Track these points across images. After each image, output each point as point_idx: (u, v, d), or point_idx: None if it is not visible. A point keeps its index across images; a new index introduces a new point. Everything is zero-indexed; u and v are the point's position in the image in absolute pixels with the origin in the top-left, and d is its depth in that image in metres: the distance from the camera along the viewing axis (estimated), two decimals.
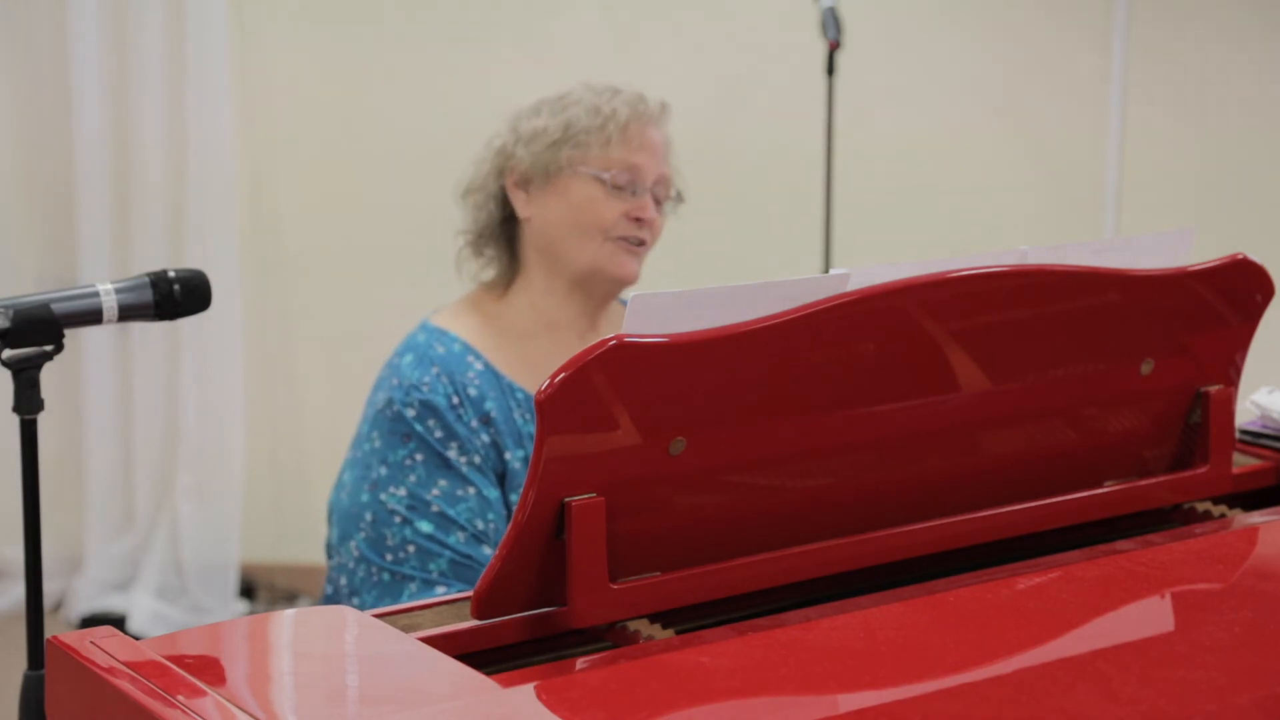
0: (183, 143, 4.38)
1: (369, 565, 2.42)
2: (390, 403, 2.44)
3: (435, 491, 2.41)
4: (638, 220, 2.51)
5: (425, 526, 2.40)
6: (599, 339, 2.49)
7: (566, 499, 1.52)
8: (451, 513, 2.40)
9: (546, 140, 2.51)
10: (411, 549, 2.40)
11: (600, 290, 2.55)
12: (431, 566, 2.39)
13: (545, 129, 2.52)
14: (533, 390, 2.46)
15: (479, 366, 2.48)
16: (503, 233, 2.57)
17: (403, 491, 2.41)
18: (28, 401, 1.68)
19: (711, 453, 1.58)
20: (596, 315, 2.58)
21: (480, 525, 2.41)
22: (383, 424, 2.45)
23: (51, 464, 4.38)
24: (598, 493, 1.53)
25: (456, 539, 2.40)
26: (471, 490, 2.42)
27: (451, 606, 1.61)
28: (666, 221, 2.58)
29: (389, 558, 2.41)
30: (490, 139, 2.58)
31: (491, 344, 2.52)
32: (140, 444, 4.51)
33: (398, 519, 2.40)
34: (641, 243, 2.53)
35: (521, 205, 2.53)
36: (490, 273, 2.58)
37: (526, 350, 2.53)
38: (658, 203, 2.55)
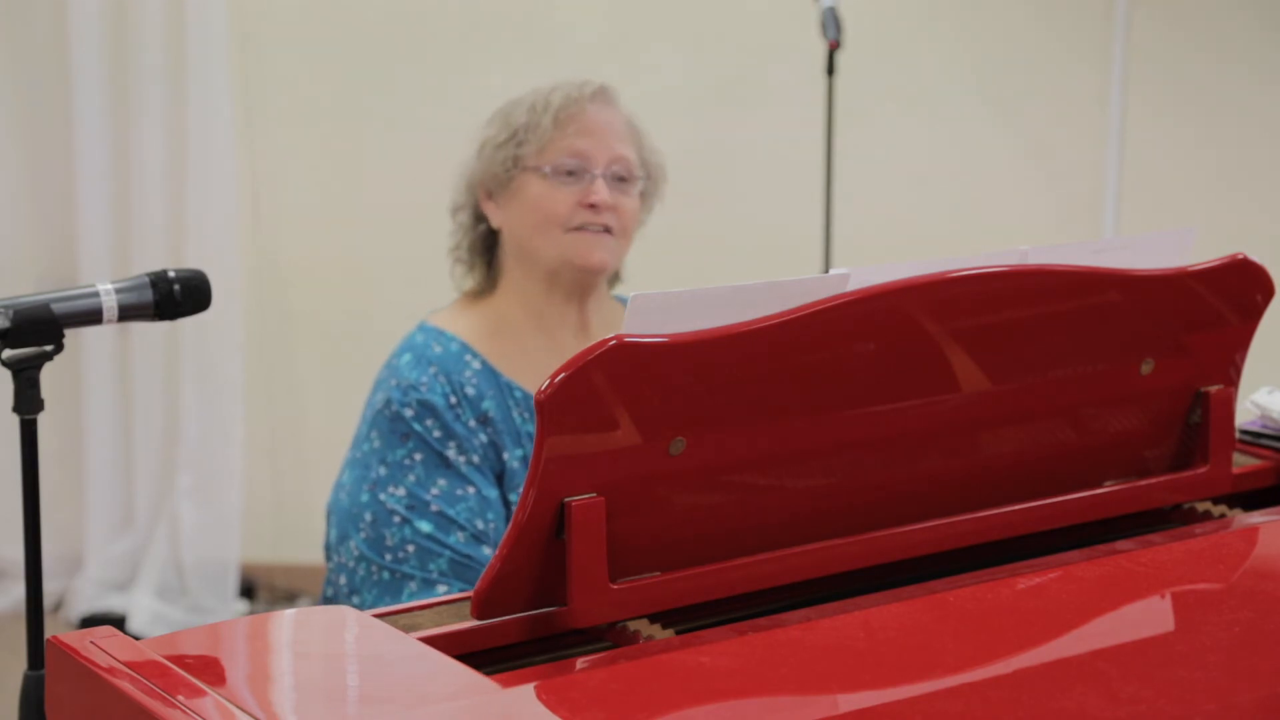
0: (183, 143, 4.38)
1: (369, 564, 2.42)
2: (389, 403, 2.45)
3: (435, 491, 2.41)
4: (591, 206, 2.48)
5: (425, 526, 2.40)
6: (592, 336, 2.54)
7: (566, 499, 1.52)
8: (451, 512, 2.40)
9: (494, 147, 2.52)
10: (411, 549, 2.40)
11: (573, 281, 2.53)
12: (431, 566, 2.39)
13: (493, 137, 2.53)
14: (531, 389, 2.47)
15: (476, 365, 2.49)
16: (483, 244, 2.57)
17: (402, 491, 2.41)
18: (28, 401, 1.68)
19: (711, 453, 1.58)
20: (584, 309, 2.57)
21: (480, 525, 2.41)
22: (382, 424, 2.45)
23: (51, 464, 4.38)
24: (598, 493, 1.53)
25: (456, 539, 2.40)
26: (471, 490, 2.42)
27: (451, 606, 1.61)
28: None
29: (389, 557, 2.41)
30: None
31: (489, 343, 2.52)
32: (140, 444, 4.51)
33: (397, 519, 2.41)
34: (606, 229, 2.49)
35: (493, 215, 2.54)
36: (469, 282, 2.59)
37: (524, 348, 2.53)
38: (622, 180, 2.51)
